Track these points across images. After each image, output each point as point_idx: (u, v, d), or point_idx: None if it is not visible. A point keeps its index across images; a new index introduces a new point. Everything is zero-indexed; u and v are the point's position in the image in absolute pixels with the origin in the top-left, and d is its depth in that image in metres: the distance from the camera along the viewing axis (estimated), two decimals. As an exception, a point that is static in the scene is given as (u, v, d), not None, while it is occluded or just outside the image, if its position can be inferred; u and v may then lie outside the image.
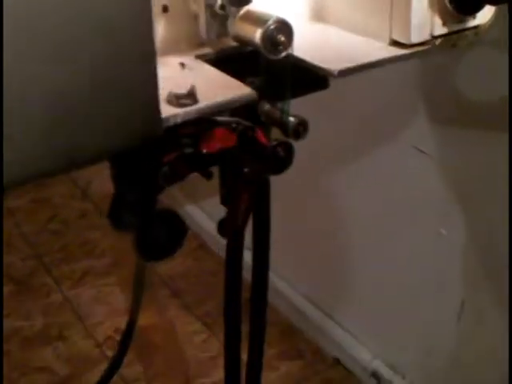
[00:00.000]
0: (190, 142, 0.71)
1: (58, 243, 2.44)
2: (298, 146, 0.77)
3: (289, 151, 0.76)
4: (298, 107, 0.77)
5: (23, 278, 2.29)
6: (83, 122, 0.54)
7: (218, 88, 0.69)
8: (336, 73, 0.74)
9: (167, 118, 0.63)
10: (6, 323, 2.08)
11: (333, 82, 0.83)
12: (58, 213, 2.60)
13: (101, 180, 2.67)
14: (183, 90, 0.67)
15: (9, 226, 2.50)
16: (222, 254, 2.26)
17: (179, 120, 0.64)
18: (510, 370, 1.26)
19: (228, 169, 0.78)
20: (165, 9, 0.76)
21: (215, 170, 0.79)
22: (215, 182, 0.80)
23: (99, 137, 0.55)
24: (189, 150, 0.71)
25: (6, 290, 2.22)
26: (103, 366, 1.73)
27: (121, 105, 0.56)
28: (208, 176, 0.74)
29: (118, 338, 1.98)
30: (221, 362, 1.87)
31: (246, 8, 0.74)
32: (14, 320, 2.10)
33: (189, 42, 0.79)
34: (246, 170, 0.76)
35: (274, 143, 0.75)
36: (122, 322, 2.02)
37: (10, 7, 0.49)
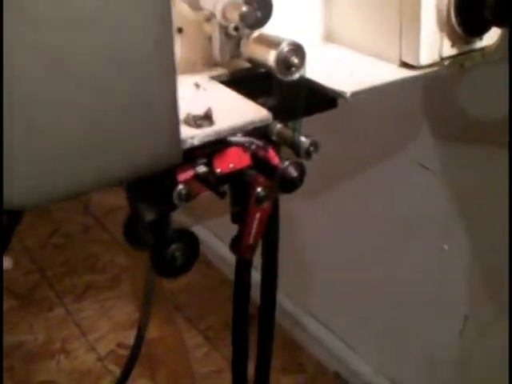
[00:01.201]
0: (204, 161, 0.72)
1: (61, 257, 2.44)
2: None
3: (300, 171, 0.77)
4: (304, 123, 0.78)
5: (26, 292, 2.29)
6: (111, 146, 0.55)
7: (233, 110, 0.71)
8: (348, 95, 0.75)
9: (185, 139, 0.64)
10: (9, 337, 2.08)
11: (341, 101, 0.84)
12: (61, 227, 2.61)
13: (101, 195, 2.68)
14: (199, 112, 0.68)
15: (11, 240, 2.49)
16: (224, 268, 2.27)
17: (196, 142, 0.66)
18: (510, 370, 1.27)
19: (240, 188, 0.79)
20: (180, 30, 0.78)
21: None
22: (218, 204, 0.81)
23: (125, 160, 0.56)
24: (203, 170, 0.72)
25: (8, 304, 2.22)
26: (106, 380, 1.74)
27: (144, 130, 0.57)
28: (221, 195, 0.74)
29: (120, 352, 1.99)
30: (222, 376, 1.88)
31: (259, 30, 0.76)
32: (17, 334, 2.10)
33: (203, 63, 0.80)
34: (258, 189, 0.77)
35: (286, 163, 0.76)
36: (125, 336, 2.04)
37: (50, 44, 0.51)
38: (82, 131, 0.54)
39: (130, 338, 1.24)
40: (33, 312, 2.19)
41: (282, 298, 2.01)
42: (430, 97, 1.37)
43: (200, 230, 2.32)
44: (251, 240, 0.82)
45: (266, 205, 0.79)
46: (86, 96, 0.53)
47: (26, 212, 2.49)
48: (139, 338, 1.11)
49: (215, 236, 2.30)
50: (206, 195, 0.76)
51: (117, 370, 1.91)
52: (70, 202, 2.69)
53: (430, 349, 1.61)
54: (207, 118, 0.67)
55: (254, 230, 0.81)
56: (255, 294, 1.07)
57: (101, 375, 1.94)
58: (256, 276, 1.04)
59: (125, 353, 1.23)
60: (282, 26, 0.79)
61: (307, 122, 0.78)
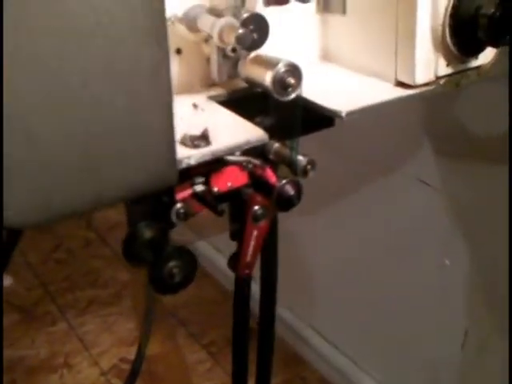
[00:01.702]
0: (201, 180, 0.73)
1: (63, 272, 2.45)
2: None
3: (297, 189, 0.77)
4: (302, 141, 0.79)
5: (28, 306, 2.29)
6: (107, 166, 0.56)
7: (230, 130, 0.72)
8: (344, 114, 0.76)
9: (181, 159, 0.65)
10: (11, 352, 2.08)
11: (338, 119, 0.85)
12: (63, 242, 2.62)
13: (104, 210, 2.69)
14: (196, 132, 0.69)
15: (13, 255, 2.50)
16: (225, 282, 2.27)
17: (192, 162, 0.67)
18: (510, 371, 1.27)
19: (238, 206, 0.80)
20: (178, 51, 0.79)
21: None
22: (217, 221, 0.82)
23: (122, 179, 0.57)
24: (200, 188, 0.73)
25: (10, 318, 2.23)
26: (108, 395, 1.74)
27: (140, 150, 0.58)
28: (219, 214, 0.75)
29: (123, 366, 1.99)
30: (224, 390, 1.87)
31: (256, 51, 0.77)
32: (19, 349, 2.11)
33: (201, 83, 0.81)
34: (255, 207, 0.78)
35: (283, 182, 0.77)
36: (127, 351, 2.04)
37: (47, 60, 0.52)
38: (78, 150, 0.55)
39: (132, 353, 1.25)
40: (35, 327, 2.20)
41: (285, 313, 2.02)
42: (429, 113, 1.38)
43: (202, 245, 2.33)
44: (249, 258, 0.82)
45: (264, 223, 0.80)
46: (82, 114, 0.54)
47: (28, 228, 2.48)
48: (140, 352, 1.12)
49: (217, 250, 2.30)
50: (205, 213, 0.76)
51: (119, 385, 1.92)
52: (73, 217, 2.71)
53: (431, 363, 1.62)
54: (204, 138, 0.68)
55: (251, 248, 0.81)
56: (257, 307, 1.08)
57: (103, 390, 1.95)
58: (257, 289, 1.05)
59: (127, 367, 1.23)
60: (279, 46, 0.80)
61: (306, 140, 0.79)
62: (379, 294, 1.70)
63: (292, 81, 0.73)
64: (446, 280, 1.50)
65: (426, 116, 1.40)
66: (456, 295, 1.49)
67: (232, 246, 0.99)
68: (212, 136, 0.69)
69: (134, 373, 1.22)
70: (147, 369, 1.93)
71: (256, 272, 1.02)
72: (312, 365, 2.00)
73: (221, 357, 2.04)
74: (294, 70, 0.73)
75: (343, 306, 1.86)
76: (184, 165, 0.65)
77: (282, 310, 1.98)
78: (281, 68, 0.72)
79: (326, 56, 0.90)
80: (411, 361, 1.68)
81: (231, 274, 1.01)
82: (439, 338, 1.57)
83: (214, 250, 2.31)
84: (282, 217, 0.96)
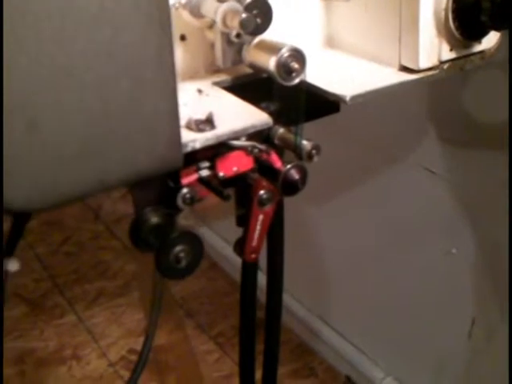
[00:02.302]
0: (207, 165, 0.73)
1: (72, 265, 2.46)
2: (309, 166, 0.79)
3: (302, 174, 0.78)
4: (308, 129, 0.79)
5: (37, 299, 2.30)
6: (112, 149, 0.57)
7: (235, 114, 0.72)
8: (348, 98, 0.77)
9: (186, 143, 0.66)
10: (20, 344, 2.09)
11: (343, 105, 0.85)
12: (72, 235, 2.62)
13: (111, 202, 2.70)
14: (201, 116, 0.70)
15: (22, 248, 2.51)
16: (234, 273, 2.28)
17: (198, 145, 0.67)
18: (509, 370, 1.27)
19: (244, 191, 0.80)
20: (182, 37, 0.79)
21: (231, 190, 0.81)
22: (224, 206, 0.82)
23: (126, 162, 0.58)
24: (206, 173, 0.73)
25: (19, 310, 2.24)
26: (117, 386, 1.75)
27: (145, 133, 0.58)
28: (225, 198, 0.76)
29: (131, 357, 2.00)
30: (233, 381, 1.89)
31: (260, 37, 0.77)
32: (28, 341, 2.11)
33: (205, 69, 0.81)
34: (261, 192, 0.78)
35: (288, 166, 0.77)
36: (136, 342, 2.05)
37: (51, 45, 0.52)
38: (83, 132, 0.55)
39: (140, 344, 1.25)
40: (44, 319, 2.21)
41: (294, 303, 2.02)
42: (434, 101, 1.38)
43: (210, 236, 2.34)
44: (255, 242, 0.83)
45: (269, 207, 0.80)
46: (86, 97, 0.55)
47: (38, 220, 2.50)
48: (148, 342, 1.12)
49: (226, 241, 2.31)
50: (211, 198, 0.77)
51: (128, 376, 1.92)
52: (81, 210, 2.73)
53: (438, 352, 1.62)
54: (208, 122, 0.69)
55: (257, 233, 0.82)
56: (265, 298, 1.08)
57: (112, 381, 1.95)
58: (264, 281, 1.05)
59: (136, 359, 1.24)
60: (283, 32, 0.80)
61: (311, 128, 0.79)
62: (386, 284, 1.70)
63: (296, 65, 0.73)
64: (452, 268, 1.50)
65: (431, 104, 1.40)
66: (463, 284, 1.49)
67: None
68: (217, 120, 0.69)
69: (142, 363, 1.23)
70: (155, 359, 1.94)
71: (263, 263, 1.02)
72: (320, 354, 2.01)
73: (229, 347, 2.04)
74: (298, 55, 0.73)
75: (351, 296, 1.86)
76: (189, 148, 0.66)
77: (290, 301, 1.99)
78: (285, 53, 0.72)
79: (330, 42, 0.90)
80: (418, 350, 1.68)
81: (239, 265, 1.02)
82: (446, 327, 1.57)
83: (222, 241, 2.31)
84: (287, 207, 0.97)
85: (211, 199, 0.76)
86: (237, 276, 1.05)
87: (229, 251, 2.24)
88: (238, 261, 1.03)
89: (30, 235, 2.57)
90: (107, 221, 2.68)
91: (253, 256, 0.86)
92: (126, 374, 1.95)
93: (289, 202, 0.95)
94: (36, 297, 2.31)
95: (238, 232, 0.99)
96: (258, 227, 0.81)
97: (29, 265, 2.45)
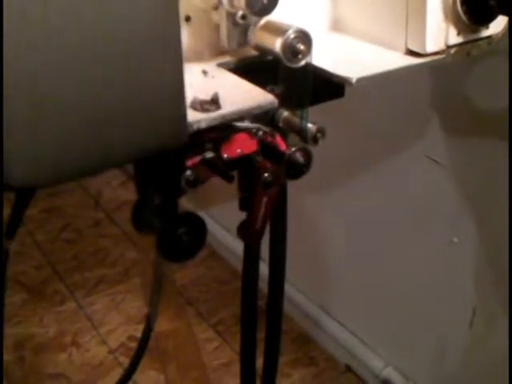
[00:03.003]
0: (211, 147, 0.73)
1: (71, 252, 2.46)
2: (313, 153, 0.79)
3: (307, 157, 0.77)
4: (311, 117, 0.79)
5: (36, 286, 2.30)
6: (116, 126, 0.56)
7: (240, 95, 0.71)
8: (354, 81, 0.76)
9: (191, 123, 0.65)
10: (20, 330, 2.09)
11: (347, 91, 0.85)
12: (71, 222, 2.62)
13: (111, 189, 2.70)
14: (206, 97, 0.69)
15: (22, 235, 2.52)
16: (233, 262, 2.28)
17: (203, 125, 0.66)
18: (509, 369, 1.27)
19: (247, 174, 0.80)
20: (187, 18, 0.78)
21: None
22: (226, 190, 0.82)
23: (130, 138, 0.57)
24: (210, 155, 0.73)
25: (19, 297, 2.24)
26: (116, 373, 1.75)
27: (149, 110, 0.58)
28: (229, 180, 0.75)
29: (131, 344, 2.00)
30: (233, 369, 1.89)
31: (266, 18, 0.76)
32: (28, 327, 2.12)
33: (211, 51, 0.81)
34: (265, 175, 0.77)
35: (293, 149, 0.77)
36: (136, 329, 2.05)
37: (54, 18, 0.51)
38: (86, 109, 0.55)
39: (140, 331, 1.25)
40: (43, 306, 2.21)
41: (295, 293, 2.02)
42: (438, 89, 1.37)
43: (211, 224, 2.33)
44: (258, 225, 0.82)
45: (273, 190, 0.80)
46: (89, 73, 0.54)
47: (37, 207, 2.50)
48: (148, 328, 1.12)
49: (226, 230, 2.30)
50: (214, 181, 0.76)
51: (128, 363, 1.92)
52: (81, 197, 2.72)
53: (439, 341, 1.62)
54: (214, 102, 0.68)
55: (260, 215, 0.81)
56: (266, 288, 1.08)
57: (112, 368, 1.96)
58: (266, 269, 1.05)
59: (136, 346, 1.24)
60: (289, 15, 0.79)
61: (315, 115, 0.79)
62: (387, 273, 1.70)
63: (302, 47, 0.72)
64: (454, 258, 1.49)
65: (435, 93, 1.39)
66: (464, 273, 1.49)
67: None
68: (222, 101, 0.69)
69: (141, 349, 1.22)
70: (156, 347, 1.94)
71: (265, 253, 1.02)
72: (320, 344, 2.01)
73: (229, 336, 2.05)
74: (304, 37, 0.73)
75: (351, 285, 1.86)
76: (194, 128, 0.65)
77: (291, 291, 1.99)
78: (291, 34, 0.72)
79: (336, 26, 0.90)
80: (419, 339, 1.68)
81: (240, 254, 1.01)
82: (447, 316, 1.57)
83: (223, 230, 2.31)
84: (289, 196, 0.97)
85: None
86: (237, 264, 1.05)
87: (229, 239, 2.24)
88: (239, 249, 1.03)
89: (29, 222, 2.57)
90: (107, 208, 2.67)
91: (255, 239, 0.85)
92: (126, 361, 1.94)
93: (291, 190, 0.95)
94: (36, 284, 2.31)
95: (238, 220, 0.98)
96: (262, 209, 0.81)
97: (28, 252, 2.45)
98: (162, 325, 1.99)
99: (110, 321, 2.14)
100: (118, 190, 2.71)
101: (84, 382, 1.93)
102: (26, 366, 1.97)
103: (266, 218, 0.81)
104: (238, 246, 1.02)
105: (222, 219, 2.31)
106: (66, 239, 2.54)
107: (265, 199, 0.80)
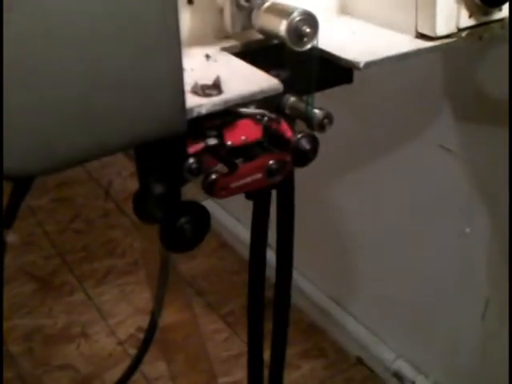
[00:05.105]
0: (214, 133, 0.71)
1: (81, 242, 2.45)
2: (323, 142, 0.77)
3: (313, 144, 0.75)
4: (321, 104, 0.76)
5: (46, 276, 2.30)
6: (112, 111, 0.54)
7: (243, 79, 0.69)
8: (362, 65, 0.74)
9: (192, 109, 0.63)
10: (29, 321, 2.09)
11: (357, 79, 0.82)
12: (81, 212, 2.61)
13: (122, 180, 2.69)
14: (208, 81, 0.67)
15: (31, 225, 2.51)
16: (244, 252, 2.26)
17: (204, 111, 0.64)
18: (510, 368, 1.25)
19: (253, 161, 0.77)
20: (190, 1, 0.76)
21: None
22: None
23: (126, 125, 0.55)
24: (213, 142, 0.71)
25: (28, 288, 2.24)
26: (125, 364, 1.74)
27: (146, 96, 0.56)
28: (233, 168, 0.73)
29: (140, 336, 1.99)
30: (242, 360, 1.87)
31: (271, 0, 0.74)
32: (37, 318, 2.11)
33: (214, 35, 0.78)
34: (270, 162, 0.75)
35: (299, 136, 0.74)
36: (144, 321, 2.03)
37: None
38: (81, 95, 0.53)
39: (149, 322, 1.25)
40: (53, 296, 2.20)
41: (306, 283, 2.01)
42: (450, 77, 1.35)
43: (220, 214, 2.32)
44: (234, 185, 0.76)
45: (278, 179, 0.77)
46: (84, 58, 0.52)
47: (47, 197, 2.50)
48: (154, 319, 1.11)
49: (236, 220, 2.29)
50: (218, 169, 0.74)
51: (137, 354, 1.92)
52: (91, 187, 2.71)
53: (451, 332, 1.60)
54: (215, 86, 0.66)
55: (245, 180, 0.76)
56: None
57: (120, 359, 1.95)
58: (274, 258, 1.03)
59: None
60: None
61: (324, 103, 0.77)
62: (398, 264, 1.69)
63: (307, 30, 0.70)
64: (466, 248, 1.48)
65: (447, 81, 1.37)
66: (476, 264, 1.47)
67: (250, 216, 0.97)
68: (224, 85, 0.66)
69: (147, 340, 1.21)
70: (164, 338, 1.92)
71: (272, 240, 1.00)
72: (331, 335, 1.99)
73: (238, 327, 2.03)
74: (310, 19, 0.70)
75: (362, 276, 1.85)
76: (195, 114, 0.63)
77: (301, 281, 1.97)
78: (296, 16, 0.70)
79: (344, 8, 0.87)
80: (431, 331, 1.67)
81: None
82: (460, 308, 1.56)
83: (233, 220, 2.30)
84: (300, 182, 0.95)
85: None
86: (247, 255, 1.03)
87: (239, 230, 2.23)
88: (249, 240, 1.01)
89: (39, 212, 2.57)
90: (117, 198, 2.66)
91: (223, 193, 0.79)
92: (135, 353, 1.94)
93: (302, 176, 0.92)
94: (45, 274, 2.31)
95: (249, 211, 0.96)
96: (249, 179, 0.76)
97: (38, 242, 2.44)
98: (170, 316, 1.98)
99: (119, 312, 2.13)
100: (128, 180, 2.70)
101: (92, 374, 1.93)
102: (35, 357, 1.97)
103: (245, 187, 0.76)
104: (249, 237, 1.00)
105: (232, 209, 2.30)
106: (75, 229, 2.53)
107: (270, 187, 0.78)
